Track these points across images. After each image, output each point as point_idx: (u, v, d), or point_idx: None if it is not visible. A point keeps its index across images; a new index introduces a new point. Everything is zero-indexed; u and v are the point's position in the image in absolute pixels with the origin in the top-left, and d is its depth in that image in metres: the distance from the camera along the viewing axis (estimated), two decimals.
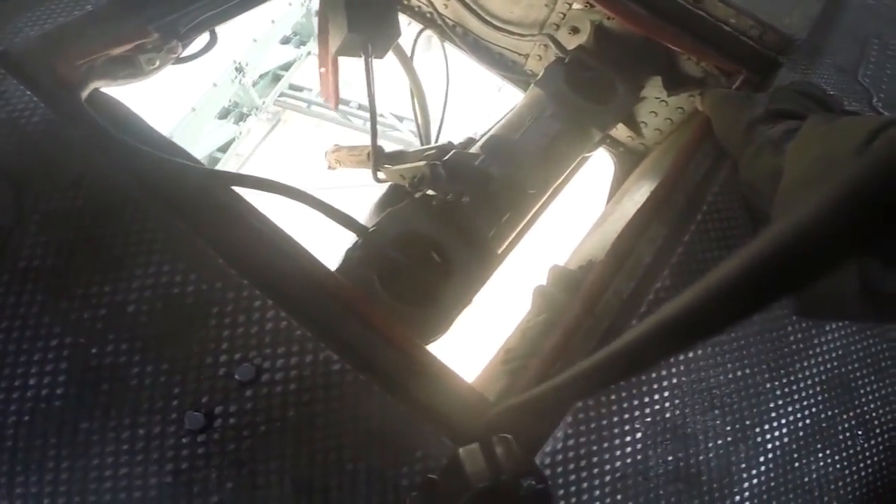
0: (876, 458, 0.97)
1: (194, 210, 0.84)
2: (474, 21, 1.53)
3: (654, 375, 0.85)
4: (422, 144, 1.49)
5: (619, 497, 0.79)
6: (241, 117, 5.23)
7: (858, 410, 0.98)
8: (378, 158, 1.23)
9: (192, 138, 4.71)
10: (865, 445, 0.97)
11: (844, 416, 0.97)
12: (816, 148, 0.77)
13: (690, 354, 0.88)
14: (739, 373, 0.91)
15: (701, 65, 1.28)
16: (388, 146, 1.40)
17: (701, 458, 0.86)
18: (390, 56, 1.32)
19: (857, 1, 1.37)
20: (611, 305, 0.88)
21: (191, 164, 0.90)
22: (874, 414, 0.99)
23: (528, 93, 1.34)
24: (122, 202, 0.82)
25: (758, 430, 0.90)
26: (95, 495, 0.66)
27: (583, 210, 1.64)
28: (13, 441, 0.66)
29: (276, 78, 5.58)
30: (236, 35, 4.70)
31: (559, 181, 1.28)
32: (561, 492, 0.77)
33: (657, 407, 0.85)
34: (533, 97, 1.31)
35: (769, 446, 0.90)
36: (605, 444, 0.81)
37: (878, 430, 0.99)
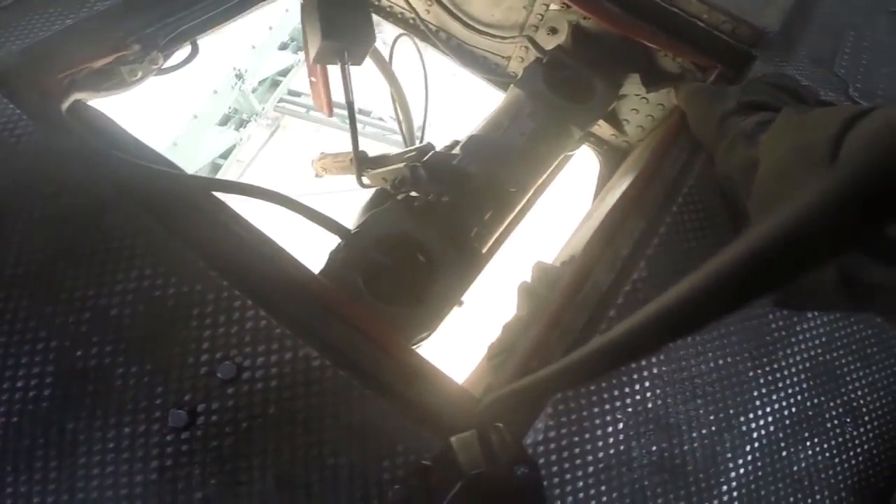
0: (866, 446, 0.99)
1: (174, 215, 0.88)
2: (456, 25, 1.59)
3: (634, 366, 0.89)
4: (406, 147, 1.54)
5: (603, 488, 0.82)
6: (242, 123, 5.36)
7: (845, 398, 1.00)
8: (361, 164, 1.27)
9: (195, 145, 4.82)
10: (854, 433, 0.99)
11: (831, 404, 0.99)
12: (791, 139, 0.79)
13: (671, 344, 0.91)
14: (721, 361, 0.93)
15: (677, 61, 1.32)
16: (388, 150, 1.44)
17: (685, 448, 0.88)
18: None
19: None
20: (590, 298, 0.91)
21: (170, 171, 0.94)
22: (862, 401, 1.01)
23: (508, 93, 1.38)
24: (103, 209, 0.86)
25: (742, 419, 0.92)
26: (83, 493, 0.69)
27: (573, 209, 1.68)
28: (2, 442, 0.70)
29: (275, 84, 5.70)
30: (236, 42, 4.80)
31: (542, 179, 1.32)
32: (545, 483, 0.80)
33: (638, 397, 0.87)
34: (512, 98, 1.35)
35: (755, 435, 0.91)
36: (587, 435, 0.83)
37: (866, 418, 1.01)
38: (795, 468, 0.93)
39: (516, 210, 1.29)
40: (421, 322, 1.08)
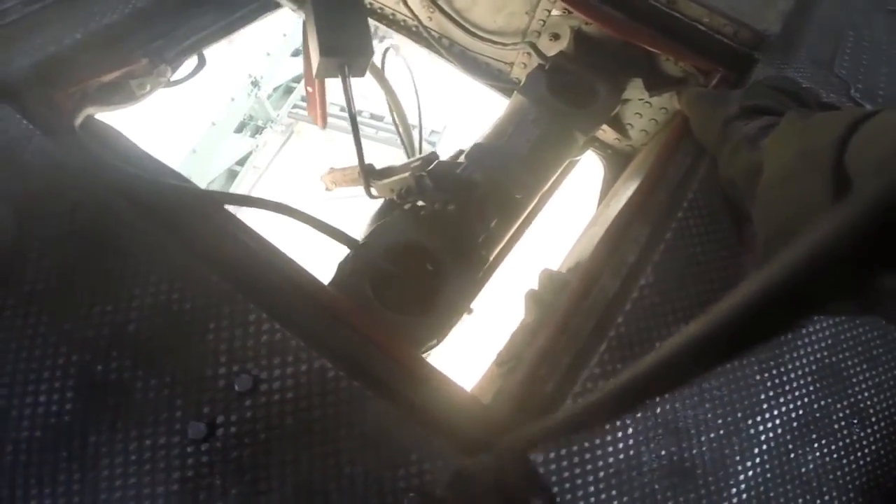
0: (874, 447, 1.01)
1: (188, 229, 0.91)
2: (458, 32, 1.61)
3: None
4: (407, 157, 1.57)
5: (613, 493, 0.84)
6: (258, 130, 5.46)
7: (852, 399, 1.02)
8: (368, 175, 1.30)
9: (214, 153, 4.95)
10: (862, 434, 1.01)
11: (838, 406, 1.00)
12: (794, 143, 0.81)
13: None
14: (728, 365, 0.96)
15: (679, 65, 1.35)
16: (399, 157, 1.47)
17: (694, 451, 0.90)
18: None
19: None
20: (597, 304, 0.94)
21: (182, 185, 0.97)
22: (868, 402, 1.02)
23: (511, 101, 1.41)
24: (118, 225, 0.89)
25: (750, 422, 0.94)
26: None
27: (578, 214, 1.70)
28: (27, 455, 0.73)
29: (289, 90, 5.80)
30: (251, 50, 4.88)
31: (547, 185, 1.35)
32: (555, 489, 0.82)
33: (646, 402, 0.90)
34: (515, 104, 1.38)
35: (763, 438, 0.93)
36: (597, 441, 0.86)
37: (873, 419, 1.02)
38: (804, 470, 0.95)
39: (523, 216, 1.31)
40: (430, 330, 1.11)
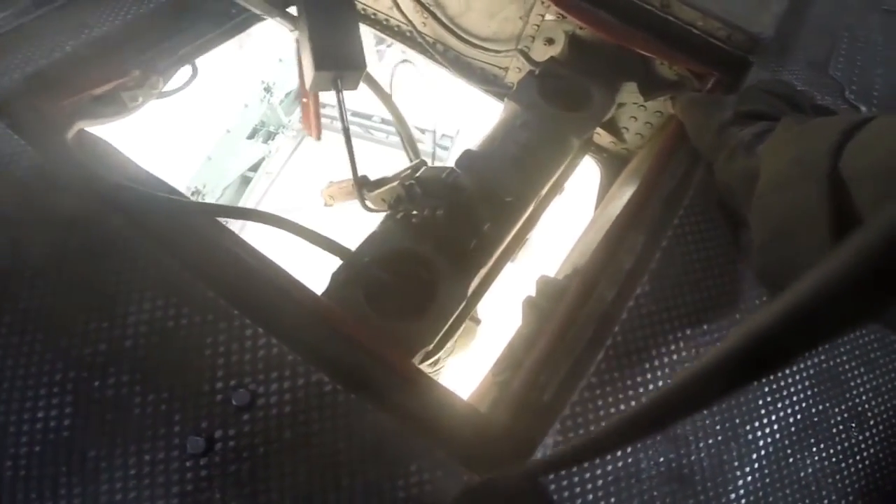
0: (872, 451, 1.03)
1: (182, 243, 0.93)
2: (452, 38, 1.64)
3: (638, 379, 0.93)
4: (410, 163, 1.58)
5: (613, 500, 0.85)
6: (270, 136, 5.50)
7: (850, 403, 1.03)
8: (362, 188, 1.32)
9: (228, 159, 5.01)
10: (860, 438, 1.03)
11: (836, 410, 1.02)
12: (790, 150, 0.82)
13: (675, 356, 0.96)
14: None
15: (674, 68, 1.37)
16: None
17: (693, 458, 0.91)
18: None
19: None
20: (594, 313, 0.96)
21: (175, 198, 0.99)
22: (867, 406, 1.04)
23: (503, 107, 1.43)
24: (113, 240, 0.91)
25: (748, 427, 0.95)
26: None
27: (575, 218, 1.72)
28: (26, 470, 0.74)
29: (299, 95, 5.79)
30: (264, 56, 4.94)
31: (544, 189, 1.37)
32: (555, 497, 0.84)
33: None
34: (507, 111, 1.40)
35: (761, 443, 0.95)
36: None
37: (871, 422, 1.04)
38: (802, 474, 0.96)
39: (520, 221, 1.33)
40: (423, 335, 1.13)
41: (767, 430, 0.97)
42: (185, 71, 1.33)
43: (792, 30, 1.34)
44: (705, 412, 0.95)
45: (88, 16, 1.17)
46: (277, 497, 0.77)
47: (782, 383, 1.00)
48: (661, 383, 0.94)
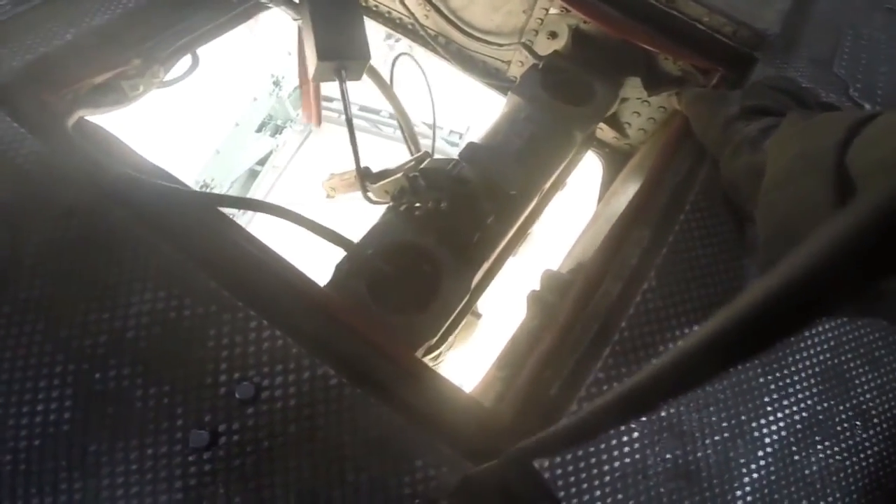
0: (876, 448, 1.02)
1: (184, 234, 0.91)
2: (455, 31, 1.62)
3: None
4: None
5: (619, 496, 0.85)
6: (277, 129, 5.47)
7: (855, 401, 1.03)
8: (364, 179, 1.30)
9: (237, 153, 4.97)
10: (864, 436, 1.02)
11: (841, 408, 1.02)
12: (796, 145, 0.81)
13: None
14: (731, 369, 0.96)
15: (678, 64, 1.36)
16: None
17: (699, 454, 0.91)
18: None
19: None
20: (599, 309, 0.95)
21: (176, 187, 0.97)
22: (871, 404, 1.04)
23: (506, 100, 1.42)
24: (114, 230, 0.89)
25: (754, 424, 0.95)
26: None
27: (577, 213, 1.71)
28: (26, 465, 0.73)
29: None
30: (273, 50, 4.92)
31: (548, 182, 1.35)
32: (562, 493, 0.83)
33: None
34: (510, 104, 1.39)
35: (767, 441, 0.95)
36: (603, 445, 0.86)
37: (875, 420, 1.04)
38: (807, 472, 0.96)
39: (523, 214, 1.32)
40: (426, 328, 1.11)
41: (773, 428, 0.96)
42: (188, 61, 1.30)
43: (797, 27, 1.34)
44: (711, 409, 0.94)
45: (89, 5, 1.15)
46: (282, 492, 0.75)
47: (788, 381, 0.99)
48: None
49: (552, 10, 1.48)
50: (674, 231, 1.02)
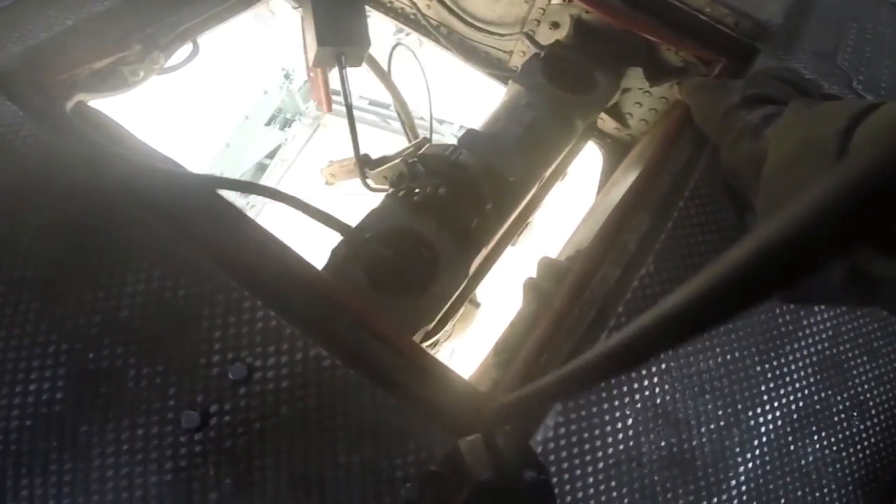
0: (873, 440, 1.01)
1: (181, 215, 0.90)
2: (457, 21, 1.60)
3: None
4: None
5: (613, 483, 0.84)
6: (286, 123, 5.47)
7: (852, 392, 1.02)
8: (363, 165, 1.29)
9: (247, 146, 4.99)
10: (861, 427, 1.01)
11: (838, 398, 1.00)
12: (798, 132, 0.80)
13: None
14: (728, 356, 0.95)
15: (680, 55, 1.34)
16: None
17: (694, 443, 0.90)
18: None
19: None
20: (596, 294, 0.93)
21: (175, 170, 0.96)
22: (868, 395, 1.03)
23: (507, 89, 1.40)
24: (111, 211, 0.88)
25: (750, 413, 0.94)
26: (98, 495, 0.71)
27: (576, 203, 1.70)
28: (17, 445, 0.72)
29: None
30: (285, 43, 4.93)
31: (548, 170, 1.34)
32: (555, 479, 0.82)
33: (647, 393, 0.89)
34: (510, 92, 1.38)
35: (762, 430, 0.93)
36: (597, 432, 0.85)
37: (873, 412, 1.02)
38: (803, 462, 0.95)
39: (523, 202, 1.31)
40: (422, 314, 1.10)
41: (769, 417, 0.95)
42: (189, 48, 1.29)
43: (800, 19, 1.32)
44: (707, 396, 0.93)
45: None
46: (273, 474, 0.74)
47: (785, 370, 0.98)
48: (664, 365, 0.91)
49: (554, 0, 1.46)
50: (672, 217, 1.00)
